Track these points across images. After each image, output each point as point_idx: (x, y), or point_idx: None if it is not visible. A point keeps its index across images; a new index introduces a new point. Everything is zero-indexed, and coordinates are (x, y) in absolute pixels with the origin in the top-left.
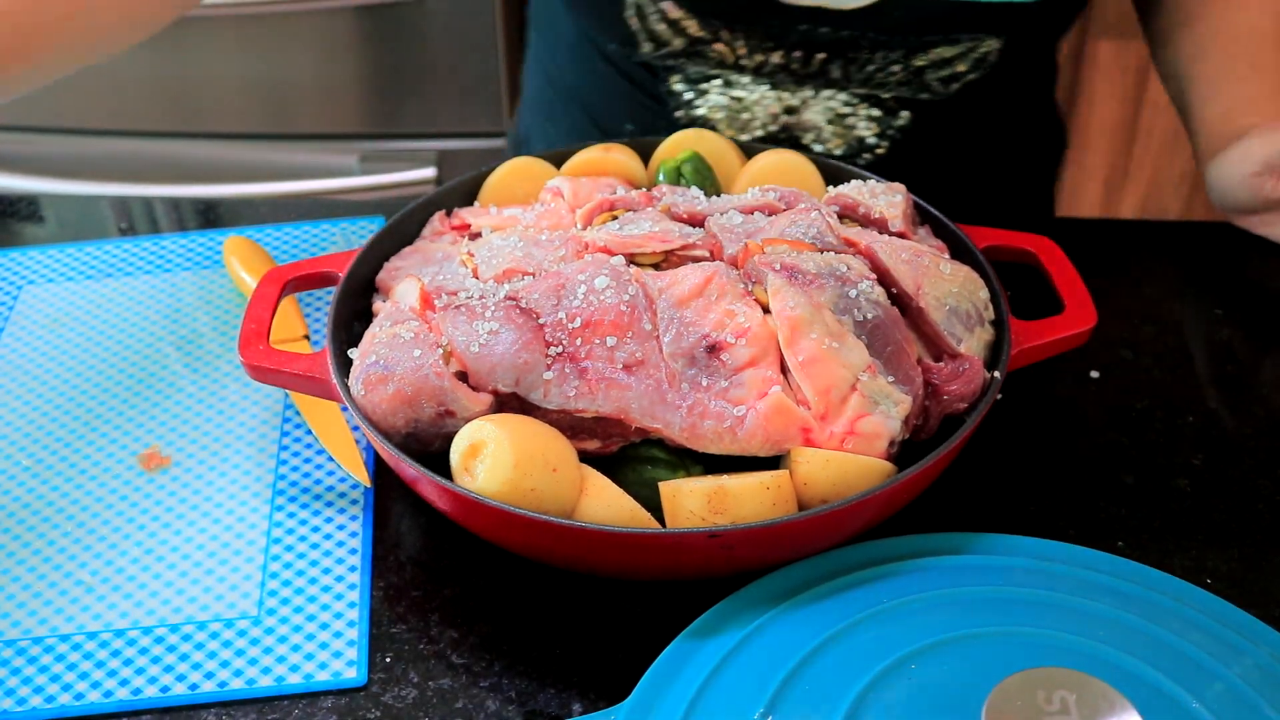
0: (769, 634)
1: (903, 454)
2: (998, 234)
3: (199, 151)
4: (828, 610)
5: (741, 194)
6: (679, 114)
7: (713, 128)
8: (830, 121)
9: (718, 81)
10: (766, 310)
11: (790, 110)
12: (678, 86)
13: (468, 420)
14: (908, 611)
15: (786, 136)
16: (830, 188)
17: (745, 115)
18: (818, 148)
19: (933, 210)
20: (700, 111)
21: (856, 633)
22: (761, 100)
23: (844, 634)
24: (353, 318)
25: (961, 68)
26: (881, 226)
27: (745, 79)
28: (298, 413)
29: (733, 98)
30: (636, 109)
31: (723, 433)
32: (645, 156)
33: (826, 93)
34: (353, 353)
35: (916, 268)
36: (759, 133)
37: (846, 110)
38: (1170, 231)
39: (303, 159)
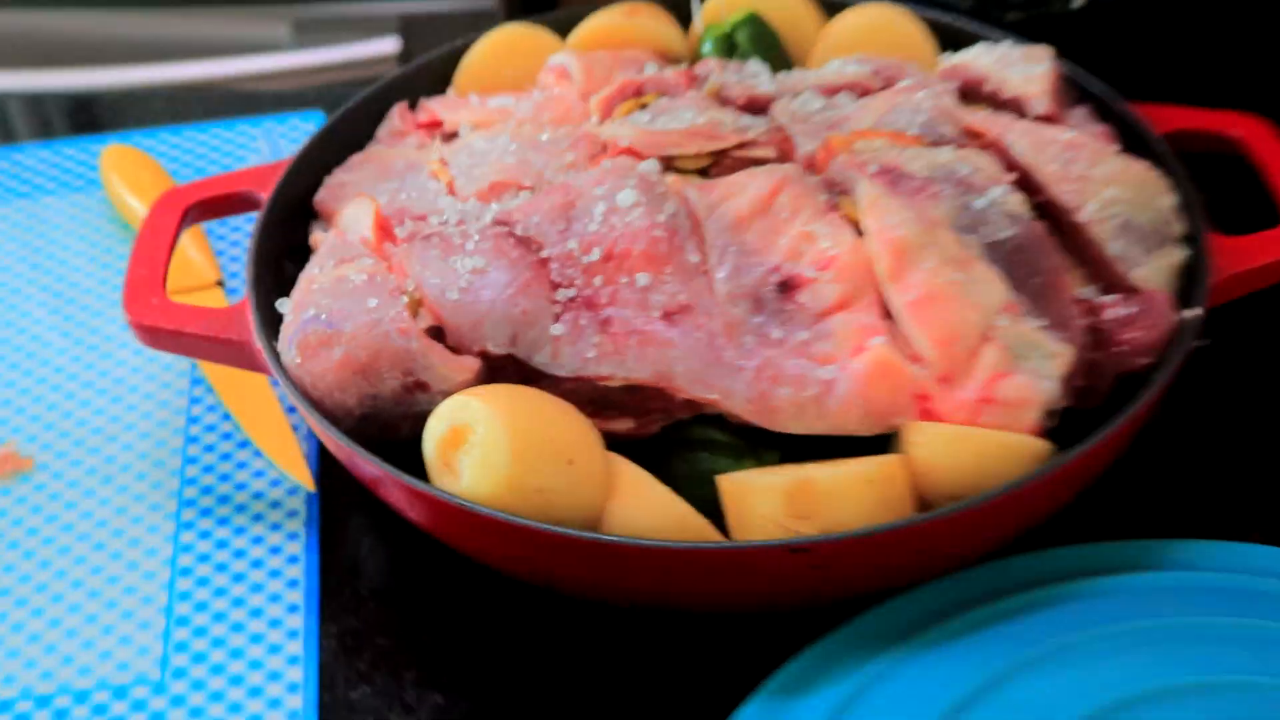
0: (888, 689)
1: (1059, 430)
2: (1188, 114)
3: (64, 23)
4: (971, 653)
5: (821, 68)
6: None
7: None
8: None
9: None
10: (859, 231)
11: None
12: None
13: (447, 396)
14: (1093, 653)
15: None
16: (946, 55)
17: None
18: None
19: (1092, 83)
20: None
21: (1017, 685)
22: None
23: (999, 686)
24: (283, 255)
25: None
26: (1019, 109)
27: None
28: (211, 391)
29: None
30: None
31: (805, 404)
32: (684, 20)
33: None
34: (284, 304)
35: (1070, 165)
36: None
37: None
38: None
39: (210, 29)
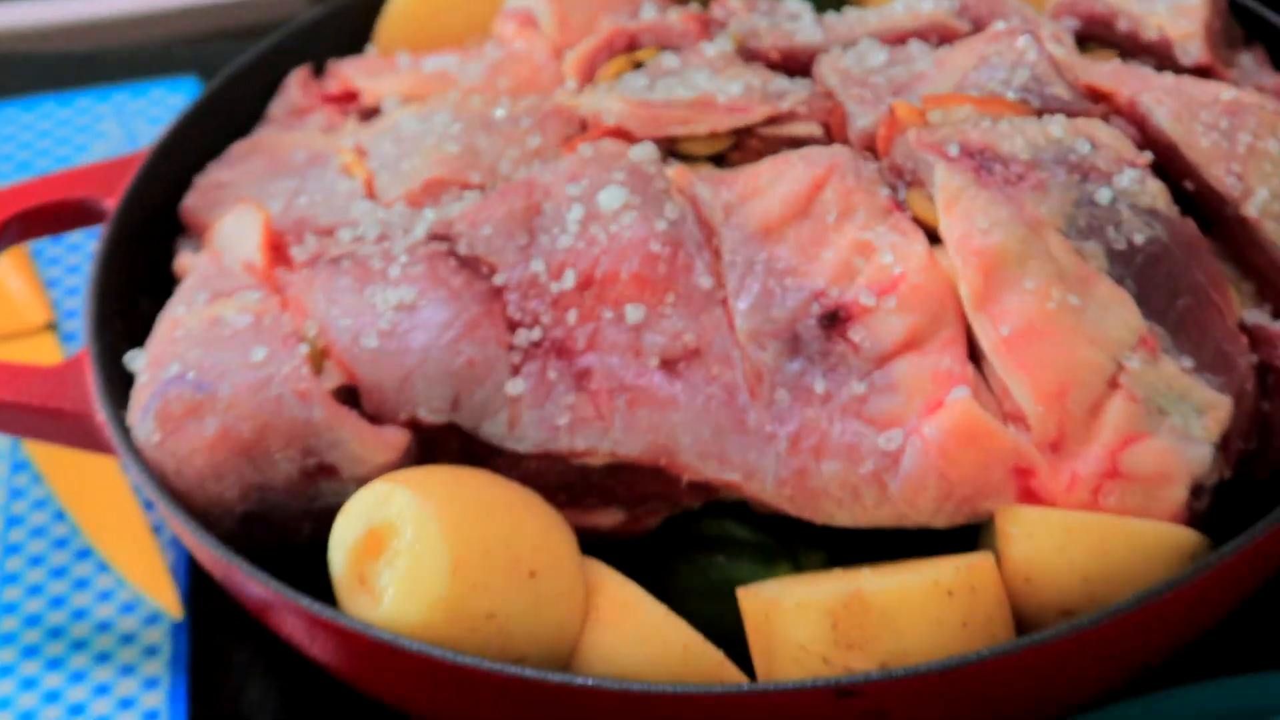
0: None
1: (1215, 516)
2: None
3: None
4: None
5: (885, 6)
6: None
7: None
8: None
9: None
10: (935, 237)
11: None
12: None
13: (362, 484)
14: None
15: None
16: None
17: None
18: None
19: (1271, 15)
20: None
21: None
22: None
23: None
24: (137, 287)
25: None
26: (1163, 56)
27: None
28: (39, 481)
29: None
30: None
31: (859, 485)
32: None
33: None
34: (136, 358)
35: (1234, 138)
36: None
37: None
38: None
39: None
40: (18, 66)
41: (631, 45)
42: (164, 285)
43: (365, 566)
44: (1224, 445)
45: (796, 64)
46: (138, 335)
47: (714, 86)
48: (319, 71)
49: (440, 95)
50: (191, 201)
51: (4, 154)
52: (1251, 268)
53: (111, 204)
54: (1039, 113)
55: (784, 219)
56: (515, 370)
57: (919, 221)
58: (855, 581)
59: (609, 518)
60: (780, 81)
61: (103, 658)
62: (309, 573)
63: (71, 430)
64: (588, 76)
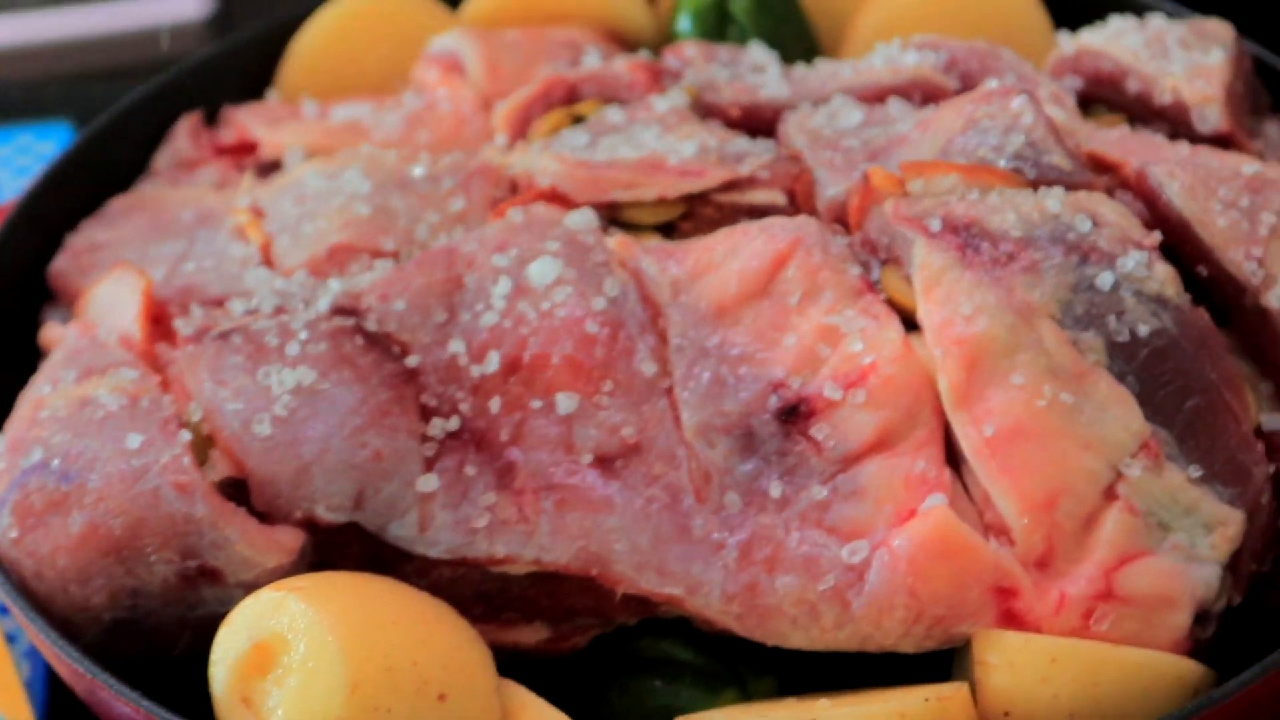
0: None
1: (1221, 646)
2: None
3: None
4: None
5: (862, 58)
6: None
7: None
8: None
9: None
10: (912, 323)
11: None
12: None
13: (250, 590)
14: None
15: None
16: (1065, 36)
17: None
18: None
19: None
20: None
21: None
22: None
23: None
24: None
25: None
26: (1177, 122)
27: None
28: None
29: None
30: None
31: (818, 602)
32: None
33: None
34: None
35: (1255, 218)
36: None
37: None
38: None
39: None
40: None
41: (571, 97)
42: (27, 359)
43: (251, 685)
44: (1234, 566)
45: (759, 122)
46: None
47: (664, 146)
48: (211, 119)
49: (350, 149)
50: (61, 264)
51: None
52: (1271, 365)
53: None
54: (1034, 184)
55: (740, 299)
56: (428, 465)
57: (894, 305)
58: (810, 712)
59: (531, 634)
60: (740, 142)
61: None
62: (186, 689)
63: None
64: (520, 132)
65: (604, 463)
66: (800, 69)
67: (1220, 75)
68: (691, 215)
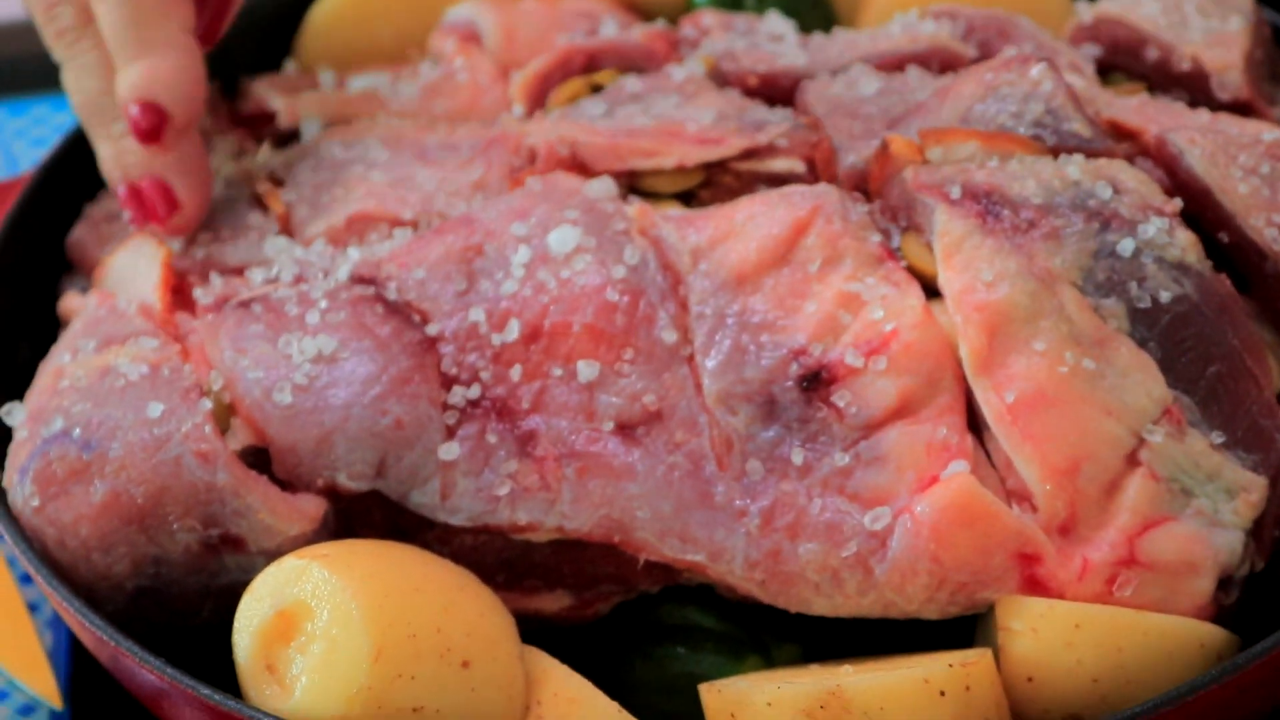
0: None
1: (1245, 611)
2: None
3: None
4: None
5: (880, 27)
6: None
7: None
8: None
9: None
10: (933, 290)
11: None
12: None
13: (272, 558)
14: None
15: None
16: (1083, 4)
17: None
18: None
19: None
20: None
21: None
22: None
23: None
24: (16, 332)
25: None
26: (1196, 90)
27: None
28: None
29: None
30: None
31: (840, 568)
32: None
33: None
34: (13, 412)
35: (1276, 186)
36: None
37: None
38: None
39: None
40: None
41: (589, 66)
42: (47, 329)
43: (274, 652)
44: (1257, 532)
45: (778, 91)
46: (16, 386)
47: (682, 114)
48: (229, 89)
49: (368, 119)
50: (80, 234)
51: None
52: None
53: None
54: (1054, 152)
55: (760, 267)
56: (450, 433)
57: (914, 272)
58: (834, 678)
59: (554, 601)
60: (758, 110)
61: None
62: (209, 657)
63: None
64: (538, 101)
65: (625, 430)
66: (818, 37)
67: (1239, 42)
68: (710, 183)
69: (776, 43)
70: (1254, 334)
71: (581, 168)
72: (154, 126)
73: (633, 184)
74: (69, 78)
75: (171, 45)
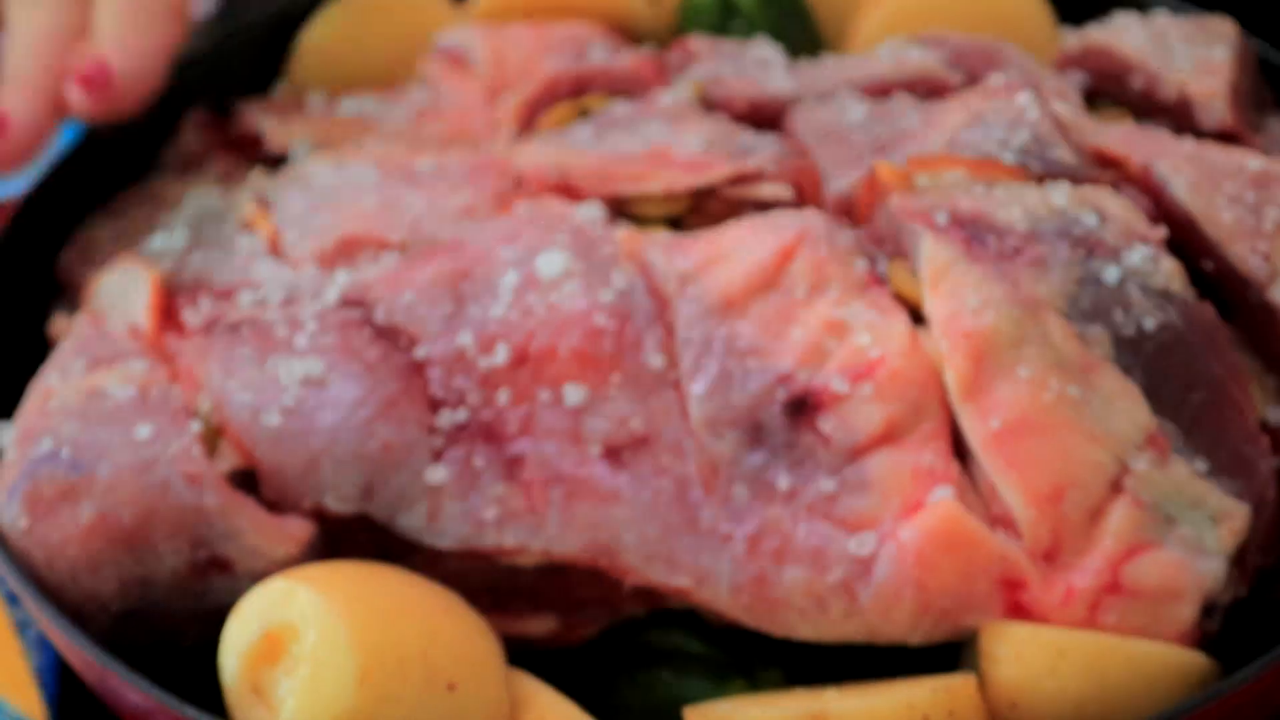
0: None
1: (1227, 638)
2: None
3: None
4: None
5: (867, 53)
6: None
7: None
8: None
9: None
10: (918, 317)
11: None
12: None
13: (259, 580)
14: None
15: None
16: (1069, 32)
17: None
18: None
19: None
20: None
21: None
22: None
23: None
24: (3, 352)
25: None
26: (1182, 118)
27: None
28: None
29: None
30: None
31: (826, 594)
32: None
33: None
34: (2, 432)
35: (1260, 213)
36: None
37: None
38: None
39: None
40: None
41: (577, 90)
42: (36, 350)
43: (261, 674)
44: (1240, 559)
45: (765, 116)
46: (5, 406)
47: (670, 140)
48: (219, 112)
49: (357, 142)
50: (69, 256)
51: None
52: (1276, 360)
53: None
54: (1040, 179)
55: (747, 292)
56: (437, 456)
57: (900, 298)
58: (818, 702)
59: (540, 625)
60: (746, 136)
61: None
62: (195, 678)
63: None
64: (527, 125)
65: (612, 454)
66: (805, 63)
67: (1225, 71)
68: (698, 209)
69: (764, 68)
70: (1238, 362)
71: (570, 192)
72: (101, 88)
73: (621, 209)
74: None
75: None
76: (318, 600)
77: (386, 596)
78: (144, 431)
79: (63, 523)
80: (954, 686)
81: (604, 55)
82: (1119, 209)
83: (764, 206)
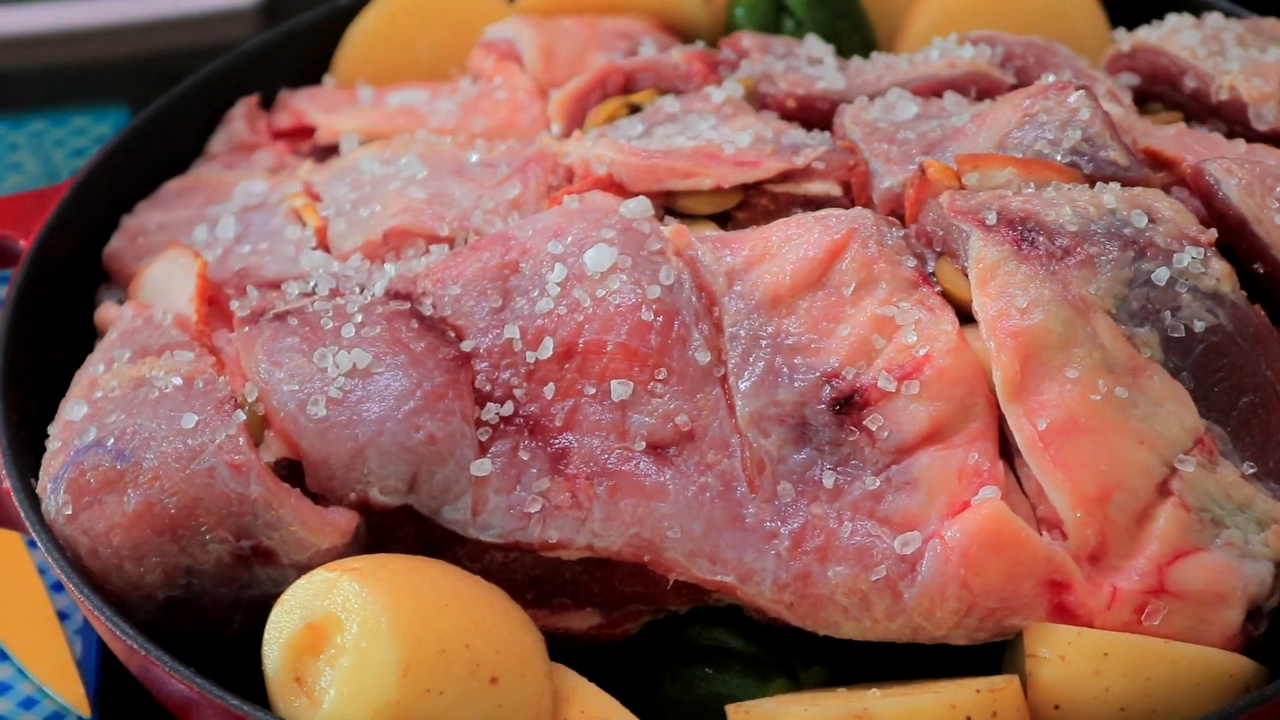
0: None
1: (1274, 643)
2: None
3: None
4: None
5: (919, 52)
6: None
7: None
8: None
9: None
10: (966, 315)
11: None
12: None
13: (303, 571)
14: None
15: None
16: (1121, 34)
17: None
18: None
19: None
20: None
21: None
22: None
23: None
24: (51, 340)
25: None
26: (1234, 120)
27: None
28: None
29: None
30: None
31: (870, 593)
32: None
33: None
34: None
35: None
36: None
37: None
38: None
39: None
40: None
41: (627, 86)
42: (82, 339)
43: (303, 664)
44: None
45: (815, 114)
46: (51, 395)
47: (720, 136)
48: (268, 103)
49: (406, 135)
50: (117, 245)
51: None
52: None
53: (25, 245)
54: (1090, 180)
55: (795, 289)
56: (482, 449)
57: (949, 297)
58: (861, 701)
59: (583, 620)
60: (795, 133)
61: None
62: (238, 667)
63: None
64: (575, 120)
65: (657, 450)
66: (856, 62)
67: (1277, 73)
68: (746, 205)
69: (815, 66)
70: None
71: (618, 187)
72: None
73: (669, 204)
74: None
75: None
76: (362, 592)
77: (430, 589)
78: (189, 421)
79: (108, 511)
80: (997, 687)
81: (654, 51)
82: (1170, 210)
83: (813, 204)
